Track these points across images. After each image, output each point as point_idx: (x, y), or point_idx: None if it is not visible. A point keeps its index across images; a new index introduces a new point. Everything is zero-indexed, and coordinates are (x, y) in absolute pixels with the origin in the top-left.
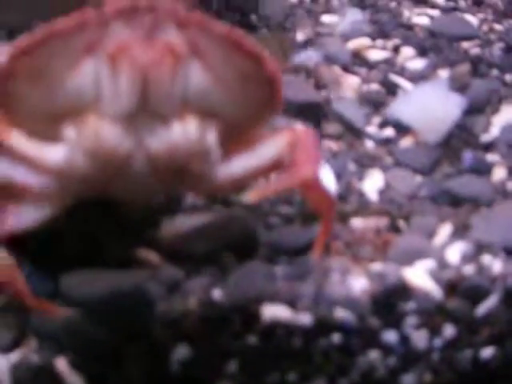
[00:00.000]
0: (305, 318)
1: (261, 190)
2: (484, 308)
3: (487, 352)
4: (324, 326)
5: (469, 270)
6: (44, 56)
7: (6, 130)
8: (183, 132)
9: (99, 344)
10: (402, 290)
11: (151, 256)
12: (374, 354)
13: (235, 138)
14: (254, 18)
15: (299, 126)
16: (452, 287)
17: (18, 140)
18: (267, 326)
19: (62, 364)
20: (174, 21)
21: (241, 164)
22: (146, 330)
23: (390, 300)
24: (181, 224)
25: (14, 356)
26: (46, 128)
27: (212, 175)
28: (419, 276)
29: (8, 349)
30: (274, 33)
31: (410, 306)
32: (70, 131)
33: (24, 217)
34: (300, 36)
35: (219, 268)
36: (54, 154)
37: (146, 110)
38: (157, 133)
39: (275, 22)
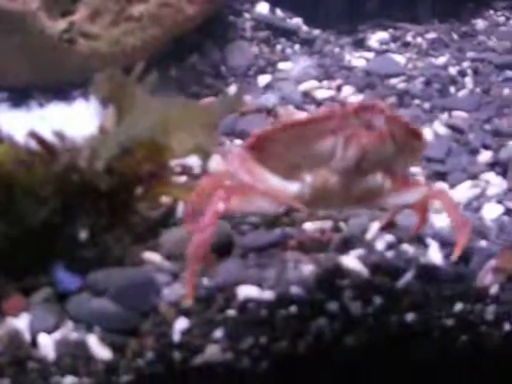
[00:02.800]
0: (269, 295)
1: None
2: (402, 282)
3: (410, 316)
4: (284, 299)
5: (390, 254)
6: (304, 131)
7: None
8: (373, 182)
9: (121, 321)
10: (338, 271)
11: (155, 257)
12: (322, 321)
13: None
14: (223, 68)
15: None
16: (376, 267)
17: (265, 176)
18: (242, 302)
19: (92, 339)
20: (383, 117)
21: (395, 199)
22: (155, 308)
23: (329, 278)
24: (176, 234)
25: (57, 335)
26: (286, 172)
27: (381, 203)
28: (351, 260)
29: (52, 330)
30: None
31: (345, 282)
32: (307, 176)
33: None
34: (261, 82)
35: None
36: (291, 188)
37: (357, 169)
38: (357, 181)
39: (240, 71)
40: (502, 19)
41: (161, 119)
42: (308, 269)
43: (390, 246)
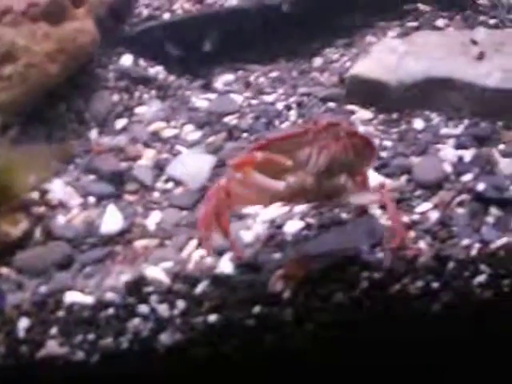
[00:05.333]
0: (89, 299)
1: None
2: (200, 289)
3: (212, 317)
4: (101, 303)
5: (190, 266)
6: (287, 143)
7: (251, 172)
8: (339, 182)
9: None
10: (142, 280)
11: (6, 271)
12: (136, 320)
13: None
14: (87, 115)
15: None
16: (176, 276)
17: (258, 176)
18: (68, 305)
19: None
20: (345, 131)
21: (354, 199)
22: (2, 310)
23: (135, 286)
24: (27, 253)
25: None
26: (273, 174)
27: (345, 199)
28: (155, 271)
29: None
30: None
31: (150, 289)
32: (289, 177)
33: None
34: (118, 125)
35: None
36: (278, 185)
37: (327, 171)
38: (327, 181)
39: (101, 117)
40: (336, 56)
41: (6, 162)
42: (124, 278)
43: (201, 259)
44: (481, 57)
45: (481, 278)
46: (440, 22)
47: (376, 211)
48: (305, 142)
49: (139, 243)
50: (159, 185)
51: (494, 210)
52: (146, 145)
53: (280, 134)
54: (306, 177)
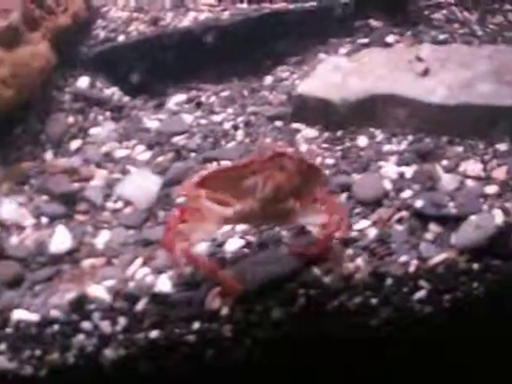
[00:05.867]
0: (35, 317)
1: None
2: (140, 306)
3: (154, 334)
4: (46, 320)
5: (131, 284)
6: (234, 171)
7: (201, 199)
8: (286, 206)
9: None
10: (85, 298)
11: None
12: (81, 336)
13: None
14: (42, 137)
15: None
16: (117, 294)
17: (207, 203)
18: (16, 322)
19: None
20: (290, 160)
21: (303, 220)
22: None
23: (78, 304)
24: None
25: None
26: (223, 201)
27: (294, 221)
28: (98, 289)
29: None
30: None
31: (93, 306)
32: (237, 205)
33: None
34: (72, 146)
35: None
36: (227, 211)
37: (272, 199)
38: (273, 207)
39: (55, 138)
40: (286, 74)
41: None
42: (69, 296)
43: (145, 277)
44: (425, 73)
45: (420, 294)
46: (390, 38)
47: (314, 229)
48: (251, 171)
49: (87, 262)
50: (109, 204)
51: (433, 227)
52: (99, 165)
53: (228, 165)
54: (253, 204)
